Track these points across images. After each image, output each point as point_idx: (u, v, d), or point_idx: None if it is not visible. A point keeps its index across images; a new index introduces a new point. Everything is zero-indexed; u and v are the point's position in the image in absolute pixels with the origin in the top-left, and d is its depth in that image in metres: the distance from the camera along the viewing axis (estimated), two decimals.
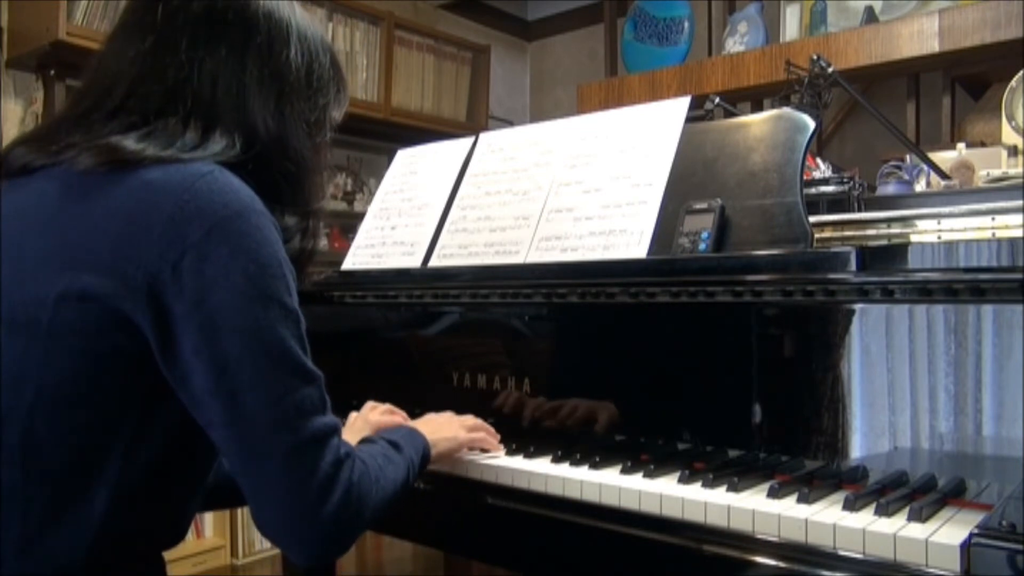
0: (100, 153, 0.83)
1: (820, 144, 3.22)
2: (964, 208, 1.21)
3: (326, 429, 0.84)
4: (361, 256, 1.67)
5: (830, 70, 1.81)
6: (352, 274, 1.64)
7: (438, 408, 1.33)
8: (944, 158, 1.94)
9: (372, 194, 2.55)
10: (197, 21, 0.90)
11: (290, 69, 0.94)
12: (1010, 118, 2.00)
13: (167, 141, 0.85)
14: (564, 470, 1.11)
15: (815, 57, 1.84)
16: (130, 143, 0.84)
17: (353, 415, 1.32)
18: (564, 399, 1.25)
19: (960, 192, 1.70)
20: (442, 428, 1.17)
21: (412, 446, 1.04)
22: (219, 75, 0.89)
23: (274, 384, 0.81)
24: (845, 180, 1.58)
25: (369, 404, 1.34)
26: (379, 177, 2.28)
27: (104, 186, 0.82)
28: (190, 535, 2.78)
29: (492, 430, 1.24)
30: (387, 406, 1.33)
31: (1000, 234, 1.16)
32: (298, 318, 0.85)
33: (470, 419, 1.24)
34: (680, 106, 1.36)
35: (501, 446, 1.24)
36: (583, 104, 3.35)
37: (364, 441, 1.02)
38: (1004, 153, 1.97)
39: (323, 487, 0.82)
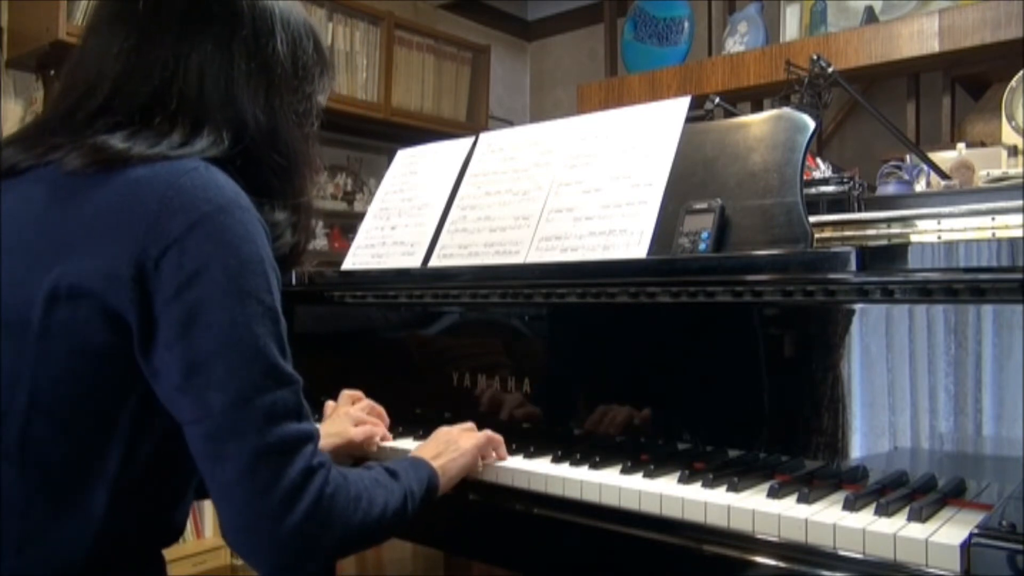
0: (87, 154, 0.83)
1: (820, 144, 3.22)
2: (964, 208, 1.21)
3: (298, 435, 0.81)
4: (361, 256, 1.67)
5: (830, 70, 1.81)
6: (352, 274, 1.64)
7: (438, 408, 1.33)
8: (944, 158, 1.94)
9: (372, 194, 2.55)
10: (181, 15, 0.89)
11: (277, 60, 0.92)
12: (1010, 118, 2.00)
13: (154, 140, 0.85)
14: (564, 470, 1.11)
15: (815, 57, 1.84)
16: (117, 142, 0.83)
17: (330, 404, 1.32)
18: (564, 399, 1.25)
19: (960, 192, 1.70)
20: (450, 447, 1.11)
21: (414, 476, 0.99)
22: (206, 71, 0.88)
23: (244, 384, 0.78)
24: (845, 180, 1.58)
25: (345, 393, 1.33)
26: (379, 177, 2.28)
27: (91, 186, 0.82)
28: (190, 535, 2.78)
29: (500, 439, 1.19)
30: (368, 403, 1.32)
31: (1000, 234, 1.16)
32: (277, 317, 0.82)
33: (485, 433, 1.17)
34: (680, 106, 1.36)
35: (505, 454, 1.19)
36: (583, 104, 3.35)
37: (362, 467, 0.97)
38: (1004, 153, 1.97)
39: (288, 496, 0.78)
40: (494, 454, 1.17)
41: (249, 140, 0.89)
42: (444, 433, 1.15)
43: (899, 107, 2.90)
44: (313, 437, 0.83)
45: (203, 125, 0.87)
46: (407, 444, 1.29)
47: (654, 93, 3.11)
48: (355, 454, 1.27)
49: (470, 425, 1.20)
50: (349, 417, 1.28)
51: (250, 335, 0.79)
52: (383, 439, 1.30)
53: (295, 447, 0.80)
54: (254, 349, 0.79)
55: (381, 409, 1.34)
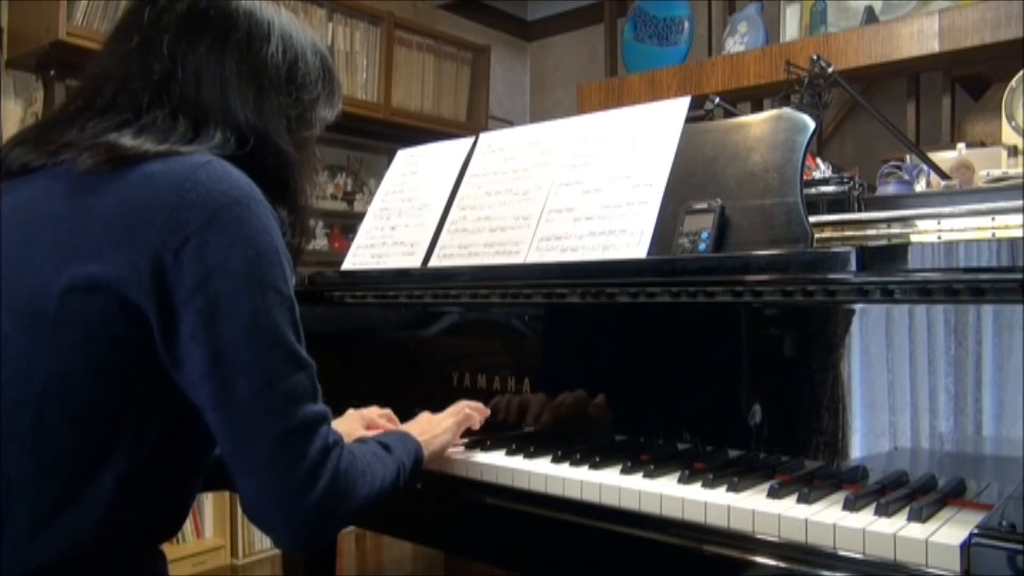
0: (100, 152, 0.85)
1: (820, 144, 3.22)
2: (964, 208, 1.21)
3: (316, 416, 0.86)
4: (361, 256, 1.67)
5: (830, 70, 1.81)
6: (352, 274, 1.64)
7: (438, 408, 1.32)
8: (944, 158, 1.94)
9: (372, 194, 2.55)
10: (180, 19, 0.93)
11: (267, 64, 0.96)
12: (1010, 118, 2.00)
13: (162, 136, 0.88)
14: (564, 470, 1.11)
15: (815, 57, 1.84)
16: (127, 140, 0.86)
17: (351, 411, 1.33)
18: (564, 399, 1.25)
19: (960, 192, 1.70)
20: (433, 426, 1.17)
21: (404, 449, 1.05)
22: (202, 70, 0.92)
23: (267, 370, 0.82)
24: (845, 180, 1.58)
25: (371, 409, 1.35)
26: (379, 177, 2.28)
27: (108, 182, 0.85)
28: (191, 535, 2.78)
29: (481, 406, 1.26)
30: (387, 412, 1.34)
31: (1000, 234, 1.16)
32: (293, 305, 0.87)
33: (459, 405, 1.25)
34: (680, 106, 1.36)
35: (486, 411, 1.27)
36: (583, 104, 3.35)
37: (356, 441, 1.03)
38: (1004, 153, 1.97)
39: (311, 473, 0.83)
40: (476, 423, 1.24)
41: (250, 142, 0.93)
42: (426, 416, 1.21)
43: (899, 107, 2.90)
44: (328, 417, 0.88)
45: (205, 124, 0.91)
46: None
47: (654, 93, 3.11)
48: None
49: (464, 408, 1.25)
50: (362, 418, 1.29)
51: (271, 323, 0.83)
52: None
53: (314, 427, 0.85)
54: (275, 336, 0.83)
55: (395, 418, 1.35)
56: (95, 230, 0.83)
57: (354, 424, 1.28)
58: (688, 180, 1.27)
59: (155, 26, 0.92)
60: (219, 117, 0.91)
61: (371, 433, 1.25)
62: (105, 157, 0.85)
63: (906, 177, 1.95)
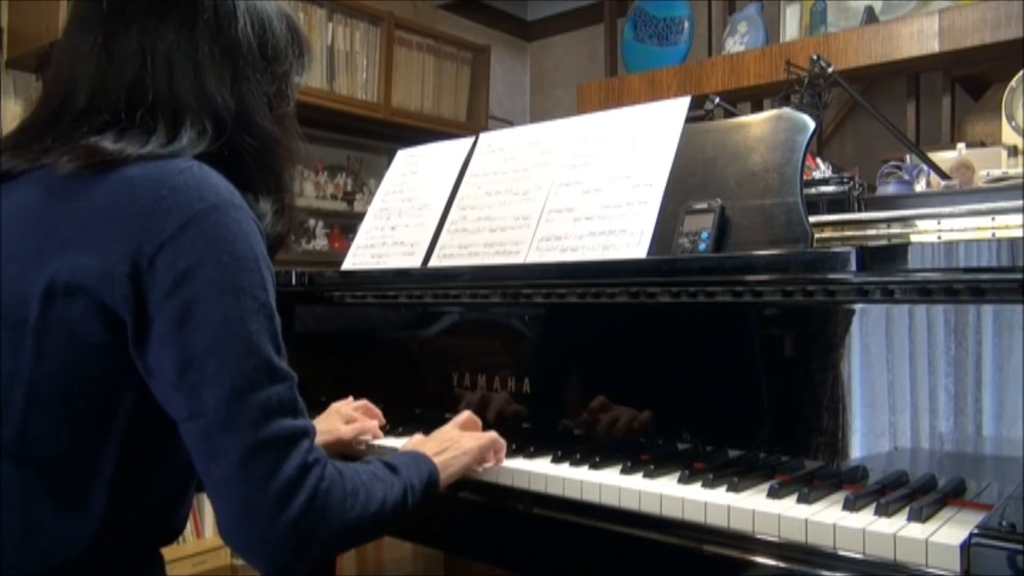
0: (80, 156, 0.83)
1: (820, 144, 3.22)
2: (964, 208, 1.21)
3: (293, 431, 0.81)
4: (361, 256, 1.67)
5: (830, 70, 1.81)
6: (352, 274, 1.64)
7: (437, 408, 1.33)
8: (944, 158, 1.94)
9: (372, 194, 2.55)
10: (143, 7, 0.89)
11: (240, 43, 0.92)
12: (1010, 118, 2.00)
13: (143, 138, 0.85)
14: (564, 470, 1.11)
15: (815, 57, 1.84)
16: (107, 144, 0.84)
17: (333, 407, 1.34)
18: (564, 399, 1.25)
19: (960, 192, 1.70)
20: (453, 445, 1.11)
21: (415, 470, 0.99)
22: (174, 60, 0.88)
23: (239, 379, 0.79)
24: (845, 180, 1.58)
25: (347, 401, 1.36)
26: (379, 177, 2.28)
27: (86, 186, 0.83)
28: (190, 535, 2.78)
29: (503, 443, 1.18)
30: (362, 402, 1.34)
31: (1000, 234, 1.16)
32: (271, 313, 0.83)
33: (491, 433, 1.17)
34: (680, 106, 1.36)
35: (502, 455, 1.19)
36: (583, 104, 3.35)
37: (361, 462, 0.98)
38: (1004, 153, 1.97)
39: (284, 492, 0.78)
40: (494, 458, 1.16)
41: (228, 128, 0.90)
42: (446, 432, 1.15)
43: (899, 107, 2.90)
44: (309, 433, 0.83)
45: (183, 116, 0.88)
46: (405, 443, 1.29)
47: (654, 93, 3.11)
48: (346, 453, 1.27)
49: (470, 415, 1.20)
50: (340, 415, 1.28)
51: (244, 331, 0.80)
52: (375, 436, 1.30)
53: (290, 443, 0.80)
54: (248, 345, 0.80)
55: (376, 410, 1.34)
56: (73, 234, 0.81)
57: (333, 421, 1.27)
58: (688, 180, 1.27)
59: (119, 17, 0.88)
60: (195, 107, 0.88)
61: (350, 429, 1.26)
62: (85, 161, 0.83)
63: (906, 177, 1.95)
